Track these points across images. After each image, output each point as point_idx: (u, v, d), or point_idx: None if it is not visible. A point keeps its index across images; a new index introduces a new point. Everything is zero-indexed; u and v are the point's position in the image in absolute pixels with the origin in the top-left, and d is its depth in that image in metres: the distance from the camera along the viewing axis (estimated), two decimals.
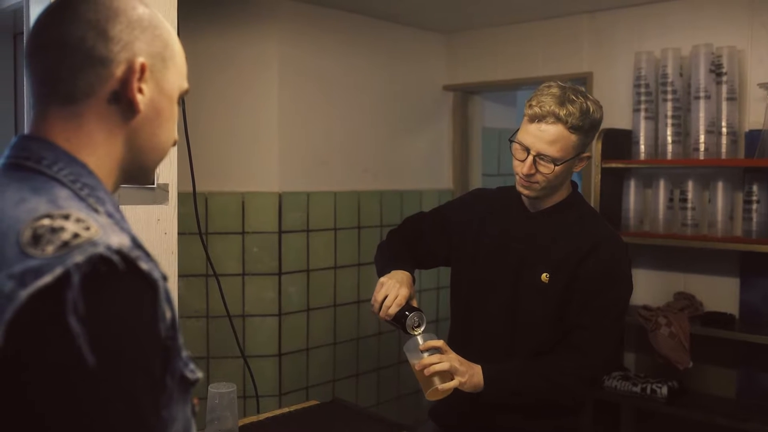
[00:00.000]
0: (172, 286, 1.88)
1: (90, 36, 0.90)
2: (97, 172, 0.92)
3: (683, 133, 3.15)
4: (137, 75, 0.92)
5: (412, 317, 1.85)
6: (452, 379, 1.78)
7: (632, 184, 3.29)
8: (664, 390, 3.07)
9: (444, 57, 4.14)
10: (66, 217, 0.79)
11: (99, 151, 0.93)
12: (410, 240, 2.14)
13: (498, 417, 1.92)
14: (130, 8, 0.94)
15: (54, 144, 0.90)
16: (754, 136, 3.00)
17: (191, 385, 0.89)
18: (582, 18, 3.59)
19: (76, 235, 0.76)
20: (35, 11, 1.75)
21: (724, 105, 3.01)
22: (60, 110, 0.92)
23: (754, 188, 2.93)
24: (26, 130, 0.95)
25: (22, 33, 2.53)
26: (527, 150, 1.81)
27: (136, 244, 0.82)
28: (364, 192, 3.72)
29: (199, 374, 0.90)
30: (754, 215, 2.93)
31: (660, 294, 3.30)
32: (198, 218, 2.22)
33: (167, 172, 1.86)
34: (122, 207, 0.95)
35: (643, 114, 3.21)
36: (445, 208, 2.20)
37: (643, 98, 3.21)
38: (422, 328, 1.86)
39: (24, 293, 0.72)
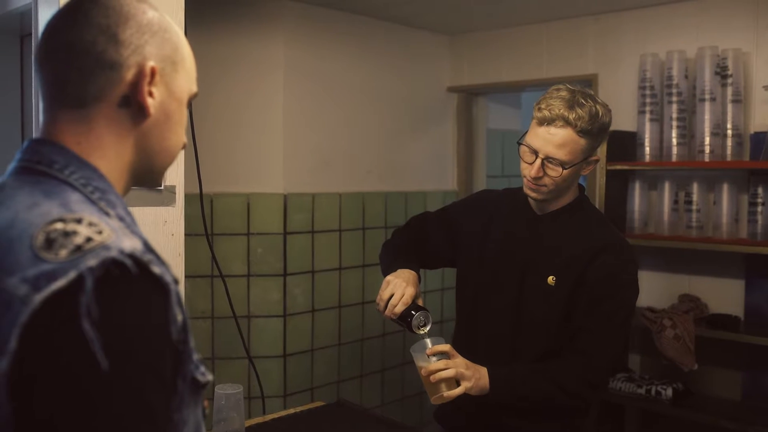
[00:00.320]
0: (180, 288, 1.89)
1: (101, 40, 0.91)
2: (107, 176, 0.92)
3: (688, 135, 3.15)
4: (147, 79, 0.93)
5: (418, 316, 1.84)
6: (458, 384, 1.78)
7: (637, 186, 3.29)
8: (669, 392, 3.07)
9: (448, 58, 4.14)
10: (78, 221, 0.79)
11: (109, 154, 0.93)
12: (416, 239, 2.14)
13: (503, 419, 1.92)
14: (140, 12, 0.94)
15: (65, 148, 0.91)
16: (759, 139, 3.00)
17: (202, 388, 0.90)
18: (587, 20, 3.59)
19: (88, 239, 0.77)
20: (44, 14, 1.75)
21: (730, 107, 3.01)
22: (70, 114, 0.92)
23: (759, 190, 2.93)
24: (37, 133, 0.95)
25: (29, 35, 2.54)
26: (536, 153, 1.80)
27: (148, 247, 0.82)
28: (368, 193, 3.72)
29: (210, 377, 0.90)
30: (759, 217, 2.93)
31: (665, 296, 3.29)
32: (204, 220, 2.22)
33: (174, 174, 1.87)
34: (129, 209, 0.96)
35: (648, 116, 3.21)
36: (452, 208, 2.20)
37: (648, 100, 3.21)
38: (428, 328, 1.86)
39: (38, 297, 0.72)
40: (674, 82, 3.13)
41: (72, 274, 0.73)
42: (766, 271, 3.05)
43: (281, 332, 3.36)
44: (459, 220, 2.11)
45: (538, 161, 1.80)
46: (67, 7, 0.94)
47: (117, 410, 0.74)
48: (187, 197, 1.95)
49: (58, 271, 0.74)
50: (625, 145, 3.26)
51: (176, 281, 0.83)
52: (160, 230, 1.86)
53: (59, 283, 0.73)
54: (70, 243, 0.76)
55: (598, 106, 1.79)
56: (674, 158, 3.12)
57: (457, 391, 1.78)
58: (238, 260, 3.30)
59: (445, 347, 1.81)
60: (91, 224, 0.79)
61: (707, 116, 3.02)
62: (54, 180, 0.88)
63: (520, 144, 1.86)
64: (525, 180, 1.87)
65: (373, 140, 3.74)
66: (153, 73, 0.93)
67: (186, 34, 1.82)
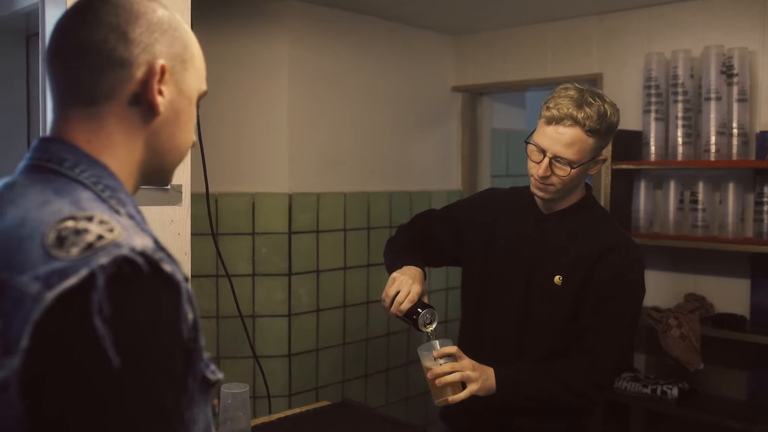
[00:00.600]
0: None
1: (111, 38, 0.90)
2: (117, 174, 0.92)
3: (694, 134, 3.14)
4: (157, 77, 0.93)
5: (424, 314, 1.84)
6: (464, 387, 1.78)
7: (642, 185, 3.29)
8: (675, 391, 3.07)
9: (453, 58, 4.14)
10: (89, 218, 0.79)
11: (119, 152, 0.93)
12: (420, 237, 2.13)
13: (509, 419, 1.92)
14: (150, 11, 0.94)
15: (75, 146, 0.91)
16: (765, 138, 3.00)
17: (212, 386, 0.89)
18: (591, 19, 3.58)
19: (100, 237, 0.77)
20: (51, 13, 1.76)
21: (735, 106, 3.00)
22: (81, 112, 0.92)
23: (765, 189, 2.93)
24: (47, 132, 0.95)
25: (35, 35, 2.55)
26: (543, 152, 1.79)
27: (159, 246, 0.82)
28: (373, 193, 3.72)
29: (220, 375, 0.90)
30: (765, 216, 2.92)
31: (670, 295, 3.29)
32: (211, 219, 2.22)
33: (181, 174, 1.87)
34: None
35: (653, 115, 3.21)
36: (457, 206, 2.19)
37: (653, 99, 3.21)
38: (434, 325, 1.85)
39: (50, 295, 0.72)
40: (680, 81, 3.12)
41: (84, 272, 0.73)
42: None
43: (286, 332, 3.36)
44: (464, 218, 2.10)
45: (546, 160, 1.79)
46: (77, 6, 0.94)
47: (128, 408, 0.74)
48: (193, 197, 1.95)
49: (70, 268, 0.74)
50: (630, 144, 3.26)
51: (187, 279, 0.83)
52: (167, 229, 1.86)
53: (71, 281, 0.73)
54: (82, 241, 0.76)
55: (606, 106, 1.78)
56: (680, 157, 3.12)
57: (462, 395, 1.77)
58: (243, 260, 3.30)
59: (452, 349, 1.80)
60: (102, 222, 0.79)
61: (713, 115, 3.02)
62: (64, 178, 0.87)
63: (527, 143, 1.85)
64: (532, 179, 1.86)
65: (377, 140, 3.74)
66: (163, 71, 0.93)
67: None
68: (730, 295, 3.16)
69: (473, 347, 1.91)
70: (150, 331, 0.76)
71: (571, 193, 1.89)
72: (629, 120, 3.35)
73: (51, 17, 1.76)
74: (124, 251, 0.76)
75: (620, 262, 1.84)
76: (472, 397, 1.80)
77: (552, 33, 3.74)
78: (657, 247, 3.25)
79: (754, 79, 3.06)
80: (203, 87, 1.03)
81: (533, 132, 1.85)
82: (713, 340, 2.98)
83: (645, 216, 3.28)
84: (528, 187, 1.94)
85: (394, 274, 1.92)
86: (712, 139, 3.01)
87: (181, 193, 1.87)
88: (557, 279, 1.87)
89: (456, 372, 1.77)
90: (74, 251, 0.75)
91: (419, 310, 1.84)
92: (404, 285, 1.87)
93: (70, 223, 0.78)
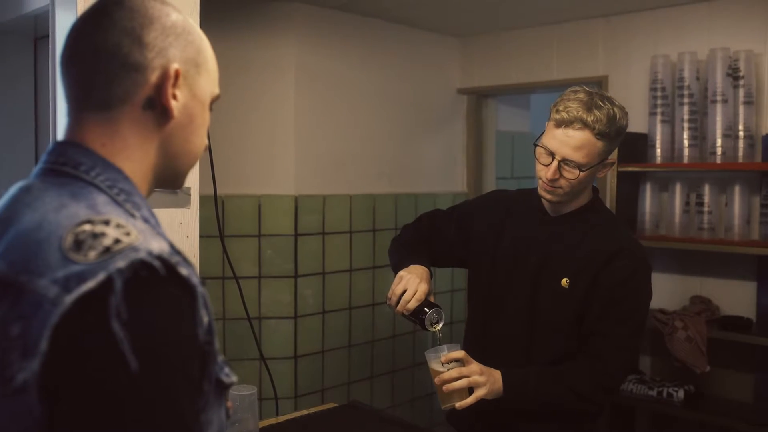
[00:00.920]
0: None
1: (125, 43, 0.91)
2: (132, 178, 0.93)
3: (700, 136, 3.14)
4: (171, 81, 0.93)
5: (431, 314, 1.83)
6: (470, 392, 1.78)
7: (648, 187, 3.29)
8: (681, 394, 3.06)
9: (458, 60, 4.15)
10: (106, 222, 0.80)
11: (134, 156, 0.94)
12: (426, 236, 2.12)
13: (515, 422, 1.92)
14: (164, 15, 0.95)
15: (90, 150, 0.91)
16: None
17: (226, 389, 0.90)
18: (597, 22, 3.58)
19: (117, 241, 0.77)
20: (61, 16, 1.76)
21: (741, 109, 3.00)
22: (95, 116, 0.92)
23: None
24: (57, 134, 0.96)
25: (43, 37, 2.56)
26: (552, 155, 1.79)
27: (174, 249, 0.83)
28: (379, 195, 3.72)
29: (234, 378, 0.90)
30: None
31: (676, 298, 3.29)
32: (219, 221, 2.23)
33: (190, 176, 1.85)
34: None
35: (659, 117, 3.21)
36: (463, 206, 2.18)
37: (659, 102, 3.21)
38: (440, 325, 1.85)
39: (69, 298, 0.73)
40: (686, 83, 3.12)
41: (101, 276, 0.74)
42: None
43: (292, 333, 3.36)
44: (471, 218, 2.10)
45: (555, 163, 1.79)
46: (92, 10, 0.95)
47: (146, 410, 0.74)
48: (200, 199, 1.95)
49: (88, 272, 0.74)
50: (636, 146, 3.26)
51: (203, 283, 0.84)
52: (175, 232, 1.86)
53: (89, 285, 0.73)
54: (99, 245, 0.77)
55: (615, 109, 1.78)
56: (686, 160, 3.12)
57: (469, 401, 1.77)
58: (249, 262, 3.31)
59: (460, 354, 1.80)
60: (118, 226, 0.80)
61: (719, 118, 3.02)
62: (80, 182, 0.88)
63: (536, 145, 1.85)
64: (540, 181, 1.86)
65: (383, 142, 3.74)
66: (177, 75, 0.93)
67: None
68: (736, 297, 3.16)
69: (479, 349, 1.91)
70: (167, 335, 0.77)
71: (579, 195, 1.89)
72: (635, 122, 3.35)
73: (61, 20, 1.76)
74: (141, 255, 0.76)
75: (627, 266, 1.84)
76: (480, 401, 1.80)
77: (558, 35, 3.74)
78: (663, 249, 3.25)
79: (760, 82, 3.06)
80: (216, 91, 1.04)
81: (542, 134, 1.85)
82: (719, 343, 2.98)
83: (651, 218, 3.28)
84: (535, 189, 1.94)
85: (401, 273, 1.91)
86: (718, 142, 3.01)
87: (190, 195, 1.88)
88: (564, 282, 1.86)
89: (463, 378, 1.77)
90: (92, 255, 0.76)
91: (426, 309, 1.84)
92: (411, 284, 1.86)
93: (87, 227, 0.79)
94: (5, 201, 0.90)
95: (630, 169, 3.21)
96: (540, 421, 1.90)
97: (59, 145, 0.93)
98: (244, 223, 3.31)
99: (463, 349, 1.84)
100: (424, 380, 3.83)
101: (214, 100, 1.04)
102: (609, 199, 3.24)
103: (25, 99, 2.60)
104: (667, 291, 3.32)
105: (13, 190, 0.91)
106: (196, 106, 0.98)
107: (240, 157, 3.30)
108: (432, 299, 1.89)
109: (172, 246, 0.83)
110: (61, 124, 1.71)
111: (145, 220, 0.91)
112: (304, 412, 2.23)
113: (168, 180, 1.02)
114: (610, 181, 3.26)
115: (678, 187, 3.21)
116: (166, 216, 1.85)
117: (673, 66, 3.21)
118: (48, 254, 0.77)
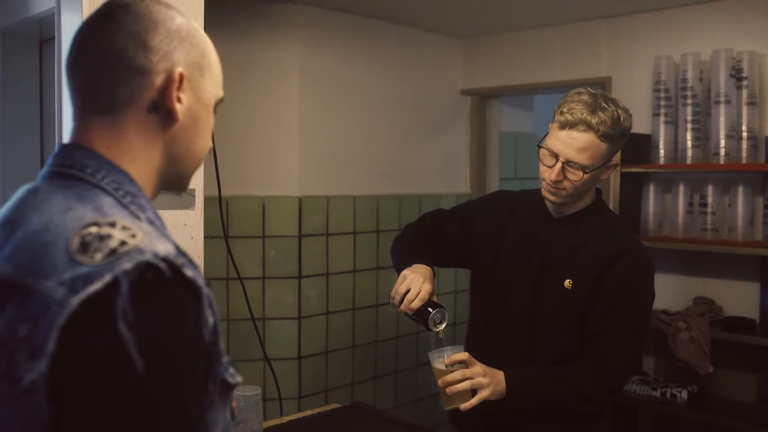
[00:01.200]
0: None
1: (131, 46, 0.92)
2: (137, 180, 0.94)
3: (703, 137, 3.14)
4: (176, 84, 0.94)
5: (434, 314, 1.83)
6: (473, 394, 1.78)
7: (651, 188, 3.29)
8: (684, 394, 3.06)
9: (462, 62, 4.15)
10: (112, 224, 0.81)
11: (139, 159, 0.94)
12: (429, 236, 2.12)
13: (519, 423, 1.92)
14: (168, 19, 0.95)
15: (96, 152, 0.92)
16: None
17: (231, 389, 0.91)
18: (600, 23, 3.59)
19: (123, 243, 0.78)
20: (67, 19, 1.77)
21: (745, 110, 3.00)
22: (101, 119, 0.93)
23: None
24: (63, 137, 0.97)
25: (48, 40, 2.57)
26: (556, 156, 1.79)
27: (180, 251, 0.84)
28: (382, 196, 3.73)
29: (239, 378, 0.91)
30: None
31: (680, 298, 3.29)
32: (223, 223, 2.24)
33: (194, 178, 1.86)
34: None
35: (662, 118, 3.21)
36: (466, 206, 2.18)
37: (662, 103, 3.21)
38: (444, 325, 1.85)
39: (75, 300, 0.74)
40: (689, 84, 3.13)
41: (108, 278, 0.75)
42: None
43: (296, 334, 3.37)
44: (473, 218, 2.09)
45: (559, 165, 1.79)
46: (97, 13, 0.95)
47: (152, 411, 0.75)
48: (204, 200, 1.96)
49: (94, 274, 0.75)
50: (639, 147, 3.26)
51: (208, 284, 0.85)
52: (180, 233, 1.87)
53: (96, 286, 0.74)
54: (105, 246, 0.77)
55: (619, 111, 1.78)
56: (689, 161, 3.12)
57: (472, 402, 1.77)
58: (253, 263, 3.32)
59: (464, 356, 1.80)
60: (124, 228, 0.81)
61: (722, 119, 3.02)
62: (86, 184, 0.89)
63: (540, 147, 1.85)
64: (544, 183, 1.86)
65: (386, 143, 3.75)
66: (181, 78, 0.94)
67: None
68: (739, 298, 3.16)
69: (482, 349, 1.92)
70: (173, 336, 0.78)
71: (582, 197, 1.89)
72: (638, 123, 3.34)
73: (67, 23, 1.77)
74: (147, 257, 0.77)
75: (630, 267, 1.84)
76: (483, 401, 1.81)
77: (561, 36, 3.74)
78: (666, 250, 3.25)
79: (764, 83, 3.06)
80: (220, 94, 1.05)
81: (546, 136, 1.85)
82: (723, 343, 2.98)
83: (654, 219, 3.28)
84: (538, 190, 1.94)
85: (405, 272, 1.91)
86: (722, 143, 3.01)
87: (195, 197, 1.89)
88: (567, 283, 1.86)
89: (467, 380, 1.77)
90: (98, 257, 0.76)
91: (430, 309, 1.84)
92: (415, 283, 1.86)
93: (93, 229, 0.79)
94: (12, 203, 0.90)
95: (633, 169, 3.21)
96: (542, 422, 1.90)
97: (65, 148, 0.94)
98: (248, 224, 3.32)
99: (465, 348, 1.85)
100: (427, 381, 3.84)
101: (219, 103, 1.05)
102: (612, 200, 3.24)
103: (30, 101, 2.61)
104: (671, 292, 3.32)
105: (20, 192, 0.92)
106: (201, 109, 0.99)
107: (244, 159, 3.31)
108: (435, 299, 1.89)
109: (177, 248, 0.84)
110: (66, 127, 1.72)
111: (151, 222, 0.91)
112: (308, 412, 2.23)
113: (173, 182, 1.03)
114: (613, 181, 3.26)
115: (681, 188, 3.21)
116: (170, 217, 1.85)
117: (676, 67, 3.22)
118: (55, 256, 0.78)
